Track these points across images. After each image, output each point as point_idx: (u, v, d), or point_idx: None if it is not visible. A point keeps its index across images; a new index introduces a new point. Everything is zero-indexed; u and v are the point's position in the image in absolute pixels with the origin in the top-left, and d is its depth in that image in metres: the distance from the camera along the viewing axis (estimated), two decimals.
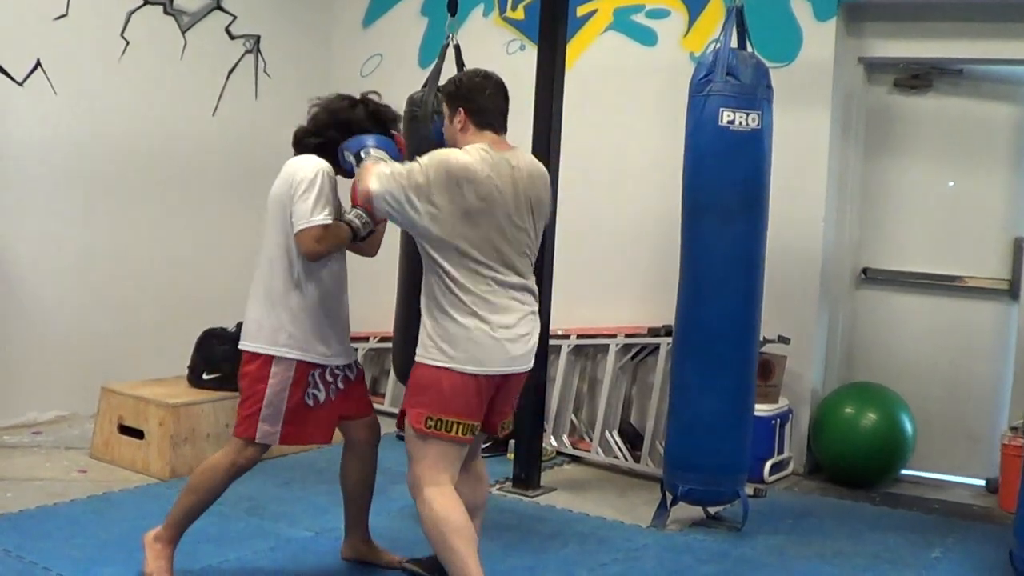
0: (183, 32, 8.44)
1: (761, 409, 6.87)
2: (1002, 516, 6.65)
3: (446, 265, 4.43)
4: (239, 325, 7.20)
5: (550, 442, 7.70)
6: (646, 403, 7.67)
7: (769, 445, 7.21)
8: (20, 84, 7.48)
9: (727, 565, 5.70)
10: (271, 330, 4.81)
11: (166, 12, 8.33)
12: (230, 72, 8.84)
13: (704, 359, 6.10)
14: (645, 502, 6.61)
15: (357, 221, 4.77)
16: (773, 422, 7.24)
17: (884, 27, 7.48)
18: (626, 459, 7.45)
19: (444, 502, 4.46)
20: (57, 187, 7.73)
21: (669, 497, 6.25)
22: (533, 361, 4.73)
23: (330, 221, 4.69)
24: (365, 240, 4.90)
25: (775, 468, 7.27)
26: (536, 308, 4.72)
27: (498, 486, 6.88)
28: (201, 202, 8.58)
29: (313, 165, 4.76)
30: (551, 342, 7.11)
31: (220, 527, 5.75)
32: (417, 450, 4.53)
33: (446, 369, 4.44)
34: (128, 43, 8.06)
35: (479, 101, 4.64)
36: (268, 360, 4.79)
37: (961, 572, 5.73)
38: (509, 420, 4.89)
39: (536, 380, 6.82)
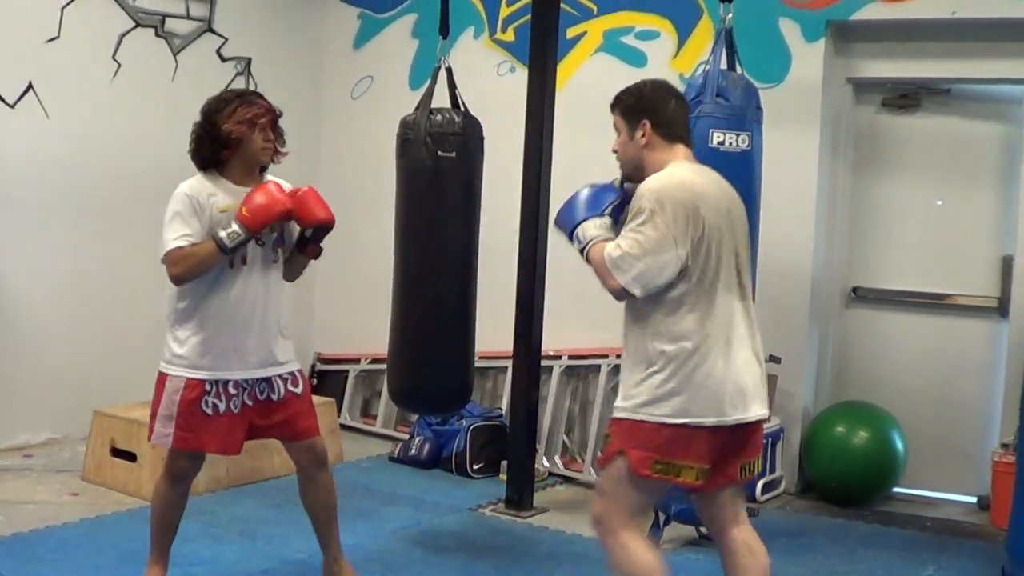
0: (174, 54, 8.46)
1: None
2: (994, 533, 6.66)
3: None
4: None
5: (542, 463, 7.70)
6: None
7: (761, 464, 7.20)
8: (12, 106, 7.49)
9: None
10: (166, 349, 4.83)
11: (157, 35, 8.35)
12: None
13: None
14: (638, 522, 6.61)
15: (222, 234, 4.58)
16: (765, 441, 7.22)
17: (872, 47, 7.51)
18: None
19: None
20: (48, 209, 7.73)
21: (662, 517, 6.25)
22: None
23: (184, 244, 4.61)
24: (232, 253, 4.65)
25: (767, 487, 7.27)
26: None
27: (490, 507, 6.89)
28: None
29: (178, 190, 4.74)
30: (543, 363, 7.11)
31: (213, 550, 5.75)
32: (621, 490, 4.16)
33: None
34: (120, 65, 8.07)
35: (666, 111, 4.24)
36: (162, 376, 4.81)
37: None
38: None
39: (528, 401, 6.84)
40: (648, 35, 8.06)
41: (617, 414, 4.16)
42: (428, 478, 7.57)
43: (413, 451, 7.88)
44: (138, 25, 8.19)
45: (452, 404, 6.49)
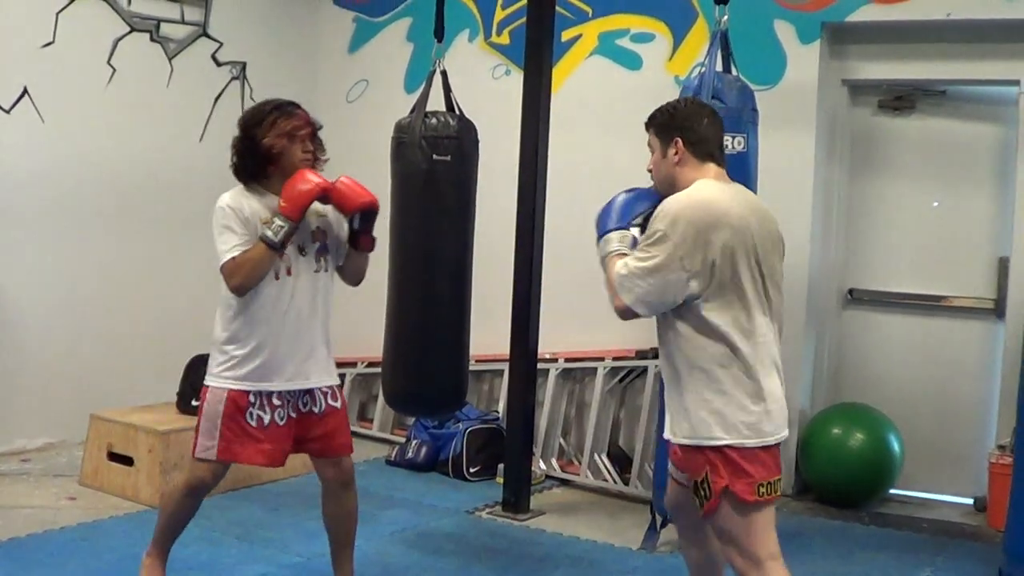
0: (169, 59, 8.46)
1: None
2: (991, 534, 6.67)
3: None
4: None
5: (539, 466, 7.70)
6: (634, 426, 7.68)
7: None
8: (7, 112, 7.49)
9: None
10: (212, 362, 4.83)
11: (152, 39, 8.35)
12: (217, 99, 8.85)
13: None
14: (635, 524, 6.62)
15: (268, 232, 4.59)
16: None
17: (867, 49, 7.52)
18: (615, 482, 7.45)
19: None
20: (44, 214, 7.73)
21: (659, 519, 6.26)
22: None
23: (236, 253, 4.62)
24: (283, 247, 4.65)
25: None
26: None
27: (487, 510, 6.89)
28: (188, 228, 8.56)
29: (219, 203, 4.74)
30: (539, 366, 7.11)
31: (211, 553, 5.75)
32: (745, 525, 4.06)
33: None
34: (115, 70, 8.07)
35: (698, 129, 4.18)
36: (205, 389, 4.81)
37: None
38: None
39: (524, 404, 6.84)
40: (643, 37, 8.06)
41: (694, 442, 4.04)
42: (425, 481, 7.58)
43: (410, 454, 7.88)
44: (133, 30, 8.19)
45: (448, 407, 6.50)
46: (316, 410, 4.90)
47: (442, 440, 7.89)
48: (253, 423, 4.75)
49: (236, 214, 4.67)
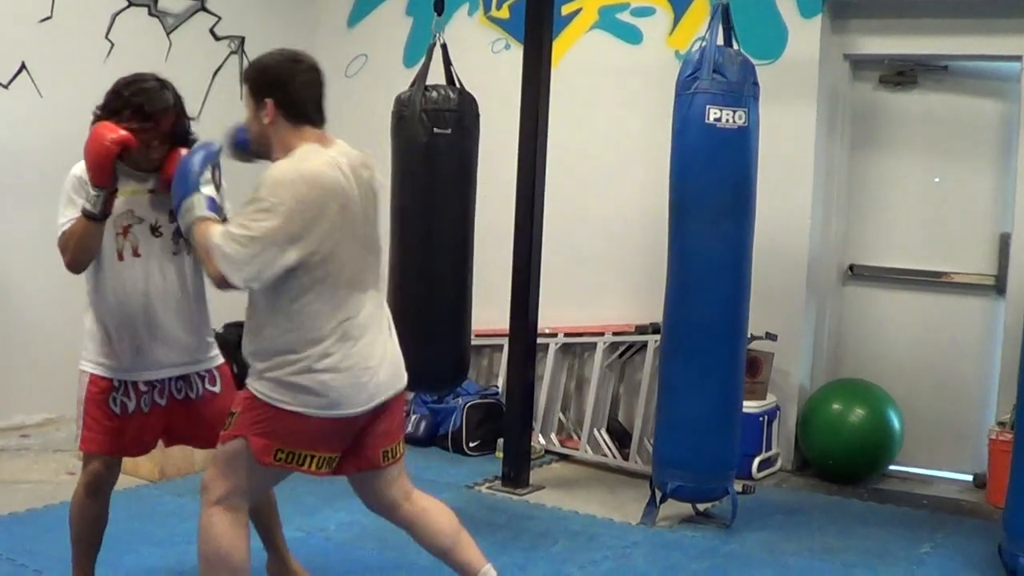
0: (168, 34, 8.43)
1: (749, 406, 6.87)
2: (990, 511, 6.66)
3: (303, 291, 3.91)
4: (227, 326, 7.20)
5: (538, 440, 7.70)
6: (634, 401, 7.68)
7: (757, 442, 7.22)
8: (5, 87, 7.47)
9: (717, 561, 5.72)
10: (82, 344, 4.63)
11: (151, 14, 8.32)
12: (215, 73, 8.83)
13: (692, 356, 6.12)
14: (634, 499, 6.62)
15: (87, 205, 4.27)
16: (761, 419, 7.25)
17: (869, 24, 7.50)
18: (615, 457, 7.45)
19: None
20: (43, 189, 7.66)
21: (658, 494, 6.26)
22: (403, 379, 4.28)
23: (68, 227, 4.34)
24: (103, 217, 4.28)
25: (763, 465, 7.29)
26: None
27: (487, 484, 6.90)
28: None
29: (71, 171, 4.49)
30: (539, 341, 7.11)
31: None
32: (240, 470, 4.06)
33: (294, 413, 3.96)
34: (113, 45, 8.04)
35: (291, 90, 4.02)
36: (79, 373, 4.61)
37: (951, 567, 5.74)
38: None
39: (524, 379, 6.84)
40: (644, 11, 8.03)
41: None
42: (424, 456, 7.57)
43: (409, 429, 7.87)
44: (131, 4, 8.16)
45: (448, 382, 6.47)
46: (192, 395, 4.65)
47: (441, 415, 7.89)
48: (116, 410, 4.53)
49: (78, 184, 4.39)
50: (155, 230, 4.49)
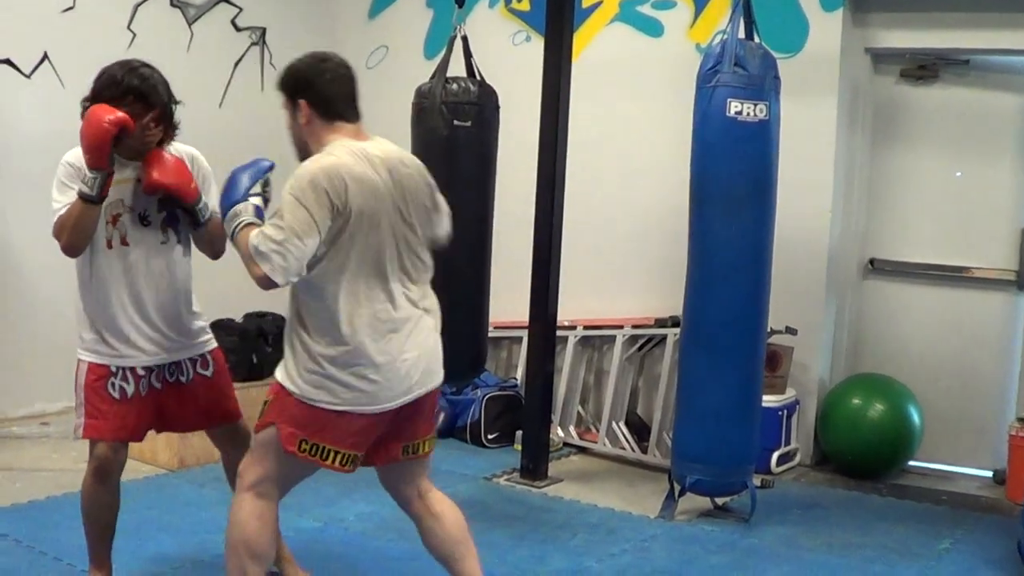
0: (189, 24, 8.45)
1: (768, 400, 6.87)
2: (1009, 507, 6.65)
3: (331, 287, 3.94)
4: (246, 316, 7.22)
5: (557, 433, 7.70)
6: (653, 394, 7.68)
7: (776, 436, 7.21)
8: (28, 77, 7.50)
9: (735, 555, 5.72)
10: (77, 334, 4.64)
11: (172, 4, 8.34)
12: (236, 64, 8.84)
13: (711, 350, 6.11)
14: (653, 493, 6.62)
15: (84, 188, 4.29)
16: (780, 413, 7.24)
17: (891, 17, 7.47)
18: (633, 450, 7.45)
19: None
20: None
21: (677, 488, 6.26)
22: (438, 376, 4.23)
23: (63, 212, 4.39)
24: (100, 199, 4.31)
25: (782, 459, 7.28)
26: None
27: (505, 477, 6.90)
28: (207, 193, 8.57)
29: (63, 159, 4.52)
30: (558, 333, 7.11)
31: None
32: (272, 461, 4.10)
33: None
34: (135, 35, 8.06)
35: (320, 88, 4.09)
36: (77, 362, 4.63)
37: (970, 563, 5.73)
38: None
39: (543, 371, 6.84)
40: (665, 4, 8.02)
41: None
42: (443, 447, 7.53)
43: None
44: None
45: (466, 374, 6.48)
46: (183, 379, 4.70)
47: (460, 407, 7.89)
48: (116, 395, 4.55)
49: (73, 171, 4.42)
50: (144, 219, 4.54)
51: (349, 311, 3.90)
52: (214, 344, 4.85)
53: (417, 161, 4.24)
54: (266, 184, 4.17)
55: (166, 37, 8.24)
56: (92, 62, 7.70)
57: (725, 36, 6.01)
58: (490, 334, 6.44)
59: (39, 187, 7.46)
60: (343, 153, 3.95)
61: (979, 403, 7.48)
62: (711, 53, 6.05)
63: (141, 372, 4.59)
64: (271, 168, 4.19)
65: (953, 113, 7.51)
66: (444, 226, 4.36)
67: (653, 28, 8.07)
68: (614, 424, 7.60)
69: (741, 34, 6.02)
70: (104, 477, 4.61)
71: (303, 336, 3.98)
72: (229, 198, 4.09)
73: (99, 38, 7.83)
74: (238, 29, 8.85)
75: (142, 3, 8.11)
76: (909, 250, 7.68)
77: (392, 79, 8.84)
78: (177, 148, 4.71)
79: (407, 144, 6.02)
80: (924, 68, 7.55)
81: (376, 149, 4.05)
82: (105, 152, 4.28)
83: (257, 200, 4.11)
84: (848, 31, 7.42)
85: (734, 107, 5.87)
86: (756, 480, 6.51)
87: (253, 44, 8.98)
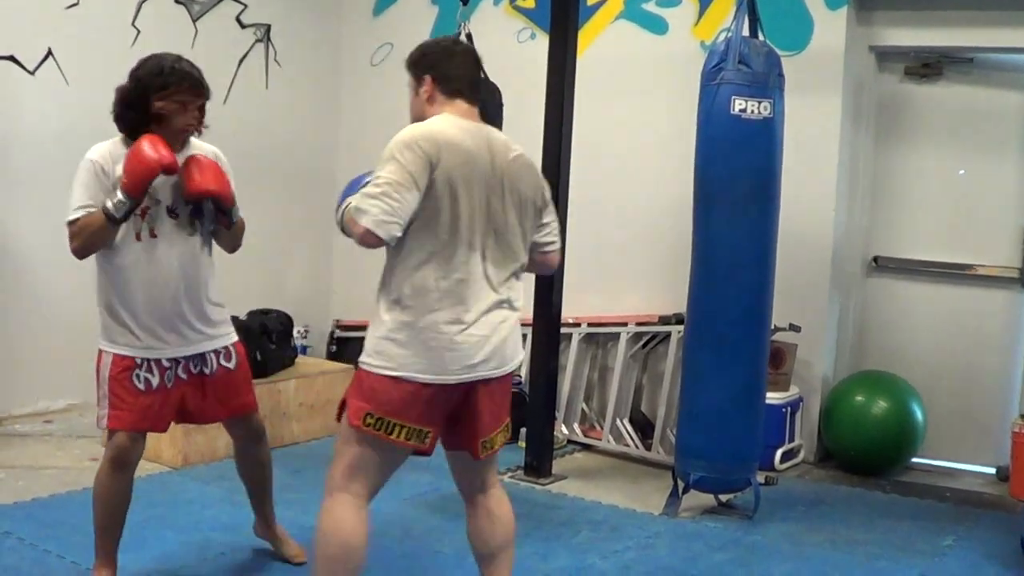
0: (194, 21, 8.45)
1: (772, 397, 6.88)
2: (1013, 504, 6.66)
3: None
4: (250, 314, 7.23)
5: (561, 430, 7.70)
6: (657, 391, 7.68)
7: (780, 433, 7.22)
8: (32, 73, 7.50)
9: (739, 552, 5.72)
10: (100, 326, 4.72)
11: (177, 1, 8.34)
12: (241, 61, 8.84)
13: (715, 347, 6.11)
14: (657, 490, 6.62)
15: (109, 204, 4.38)
16: (784, 410, 7.25)
17: (895, 15, 7.47)
18: (637, 447, 7.46)
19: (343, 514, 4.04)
20: (68, 176, 7.68)
21: (681, 485, 6.26)
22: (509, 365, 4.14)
23: (81, 215, 4.46)
24: (122, 222, 4.43)
25: (786, 456, 7.28)
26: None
27: (509, 474, 6.90)
28: None
29: (86, 155, 4.61)
30: (562, 330, 7.11)
31: (232, 515, 5.76)
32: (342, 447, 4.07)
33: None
34: (139, 32, 8.06)
35: (447, 67, 4.14)
36: (99, 353, 4.71)
37: (973, 560, 5.73)
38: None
39: (547, 368, 6.84)
40: (669, 2, 8.02)
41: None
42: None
43: None
44: None
45: None
46: (207, 371, 4.80)
47: None
48: (141, 386, 4.63)
49: (96, 171, 4.53)
50: (172, 212, 4.62)
51: (423, 275, 3.88)
52: (235, 336, 4.96)
53: (531, 161, 4.23)
54: None
55: (170, 34, 8.22)
56: (96, 59, 7.80)
57: (729, 34, 6.01)
58: None
59: (43, 184, 7.54)
60: (446, 123, 3.99)
61: (982, 400, 7.48)
62: (715, 51, 6.05)
63: (166, 364, 4.67)
64: None
65: (957, 111, 7.52)
66: (550, 236, 4.31)
67: (657, 26, 8.07)
68: (618, 421, 7.60)
69: (745, 32, 6.02)
70: (121, 466, 4.71)
71: (378, 306, 3.99)
72: (344, 196, 4.10)
73: (103, 35, 7.85)
74: (243, 26, 8.85)
75: (146, 0, 8.11)
76: (913, 248, 7.68)
77: (397, 76, 8.74)
78: (200, 145, 4.80)
79: None
80: (928, 66, 7.56)
81: (482, 131, 4.08)
82: (146, 186, 4.41)
83: None
84: (852, 29, 7.43)
85: (738, 105, 5.87)
86: (760, 477, 6.51)
87: (258, 41, 8.97)
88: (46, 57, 7.57)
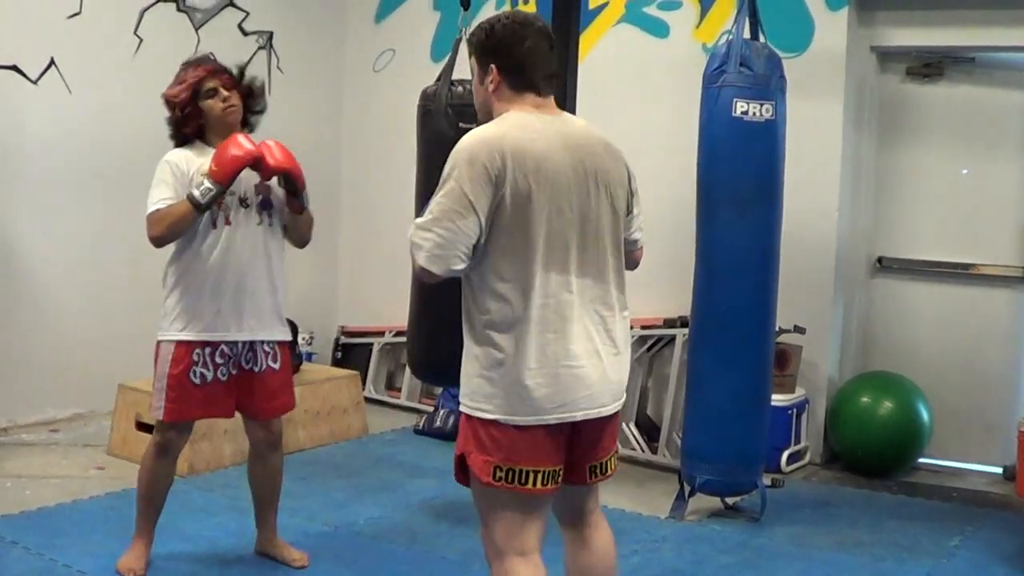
0: (196, 29, 8.45)
1: (778, 399, 6.86)
2: (1020, 504, 6.63)
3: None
4: None
5: None
6: (662, 394, 7.67)
7: (786, 435, 7.21)
8: (35, 83, 7.51)
9: (746, 555, 5.71)
10: (161, 317, 4.97)
11: (179, 9, 8.34)
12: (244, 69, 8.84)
13: (720, 350, 6.11)
14: (663, 493, 6.61)
15: (196, 192, 4.68)
16: (790, 412, 7.24)
17: (896, 16, 7.46)
18: (643, 451, 7.45)
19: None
20: (72, 185, 7.75)
21: (687, 488, 6.26)
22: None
23: (163, 205, 4.75)
24: (207, 209, 4.72)
25: (792, 458, 7.27)
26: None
27: None
28: None
29: (163, 159, 4.89)
30: None
31: (239, 522, 5.76)
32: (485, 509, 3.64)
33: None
34: (141, 40, 8.07)
35: (516, 54, 3.64)
36: (157, 345, 4.97)
37: (981, 560, 5.72)
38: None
39: None
40: (670, 5, 8.02)
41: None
42: (448, 448, 7.57)
43: (438, 423, 7.89)
44: (159, 0, 8.18)
45: None
46: (256, 369, 5.04)
47: None
48: (197, 381, 4.89)
49: (173, 169, 4.82)
50: (243, 201, 4.93)
51: (506, 303, 3.46)
52: (288, 336, 5.19)
53: (615, 147, 3.83)
54: None
55: (173, 42, 8.23)
56: (99, 68, 7.81)
57: (731, 36, 6.01)
58: None
59: (48, 193, 7.55)
60: (514, 125, 3.54)
61: (988, 399, 7.47)
62: (717, 53, 6.05)
63: (220, 360, 4.94)
64: None
65: (959, 111, 7.51)
66: (637, 232, 3.99)
67: (659, 29, 8.07)
68: (624, 425, 7.59)
69: (747, 34, 6.02)
70: (165, 451, 5.04)
71: (467, 338, 3.58)
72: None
73: (106, 44, 7.87)
74: (245, 33, 8.86)
75: (149, 8, 8.12)
76: (916, 248, 7.68)
77: (399, 82, 8.85)
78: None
79: (412, 147, 6.04)
80: (930, 66, 7.55)
81: (561, 125, 3.66)
82: (235, 175, 4.73)
83: None
84: (853, 30, 7.42)
85: (740, 107, 5.87)
86: (766, 479, 6.50)
87: (260, 48, 8.98)
88: (49, 66, 7.57)
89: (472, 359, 3.54)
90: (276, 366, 5.08)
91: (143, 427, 6.84)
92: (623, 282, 3.78)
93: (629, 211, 3.88)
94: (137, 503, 5.09)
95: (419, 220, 3.47)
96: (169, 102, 4.91)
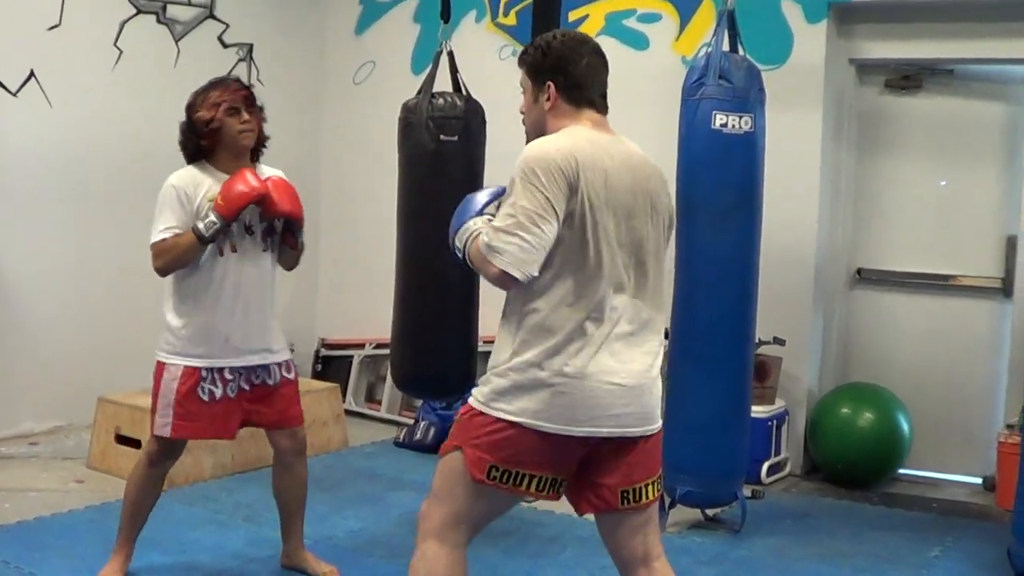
0: (176, 41, 8.44)
1: (757, 411, 6.87)
2: (999, 514, 6.66)
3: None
4: None
5: None
6: None
7: (766, 446, 7.22)
8: (14, 95, 7.48)
9: (726, 567, 5.72)
10: (163, 338, 4.94)
11: (159, 21, 8.33)
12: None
13: (700, 361, 6.10)
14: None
15: (200, 225, 4.70)
16: (770, 423, 7.25)
17: (874, 28, 7.50)
18: None
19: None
20: (52, 198, 7.73)
21: (667, 500, 6.25)
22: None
23: (167, 236, 4.75)
24: (211, 242, 4.75)
25: (772, 469, 7.28)
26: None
27: None
28: None
29: (167, 181, 4.88)
30: None
31: (218, 536, 5.75)
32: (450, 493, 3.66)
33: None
34: (121, 52, 8.06)
35: (574, 72, 3.71)
36: (160, 365, 4.93)
37: (960, 570, 5.74)
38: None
39: None
40: (650, 18, 8.04)
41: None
42: (433, 463, 7.42)
43: (418, 436, 7.88)
44: (139, 12, 8.18)
45: (456, 389, 6.47)
46: (271, 382, 5.06)
47: (450, 422, 7.83)
48: (205, 398, 4.89)
49: (179, 195, 4.81)
50: (248, 229, 4.94)
51: (558, 314, 3.45)
52: (288, 355, 5.23)
53: (660, 171, 3.84)
54: (499, 206, 3.65)
55: (153, 54, 8.24)
56: (79, 80, 7.80)
57: (710, 49, 6.04)
58: (480, 348, 6.44)
59: (28, 206, 7.53)
60: (581, 138, 3.59)
61: (968, 410, 7.50)
62: (696, 66, 6.06)
63: (229, 376, 4.94)
64: (504, 192, 3.74)
65: (937, 122, 7.55)
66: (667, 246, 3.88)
67: (639, 41, 8.09)
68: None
69: (726, 47, 6.03)
70: (156, 463, 5.03)
71: (503, 341, 3.57)
72: (461, 217, 3.73)
73: (86, 56, 7.85)
74: (225, 45, 8.85)
75: (128, 20, 8.10)
76: (896, 259, 7.71)
77: (379, 94, 8.87)
78: (270, 171, 5.12)
79: (394, 159, 6.04)
80: (908, 78, 7.59)
81: (618, 146, 3.71)
82: (240, 211, 4.76)
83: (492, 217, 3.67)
84: (832, 42, 7.45)
85: (719, 119, 5.88)
86: (746, 491, 6.51)
87: (240, 60, 8.97)
88: (28, 79, 7.55)
89: (505, 361, 3.53)
90: (291, 376, 5.16)
91: (123, 440, 6.83)
92: (664, 307, 3.81)
93: (671, 228, 3.88)
94: (121, 516, 5.07)
95: (499, 224, 3.44)
96: (194, 121, 4.94)
